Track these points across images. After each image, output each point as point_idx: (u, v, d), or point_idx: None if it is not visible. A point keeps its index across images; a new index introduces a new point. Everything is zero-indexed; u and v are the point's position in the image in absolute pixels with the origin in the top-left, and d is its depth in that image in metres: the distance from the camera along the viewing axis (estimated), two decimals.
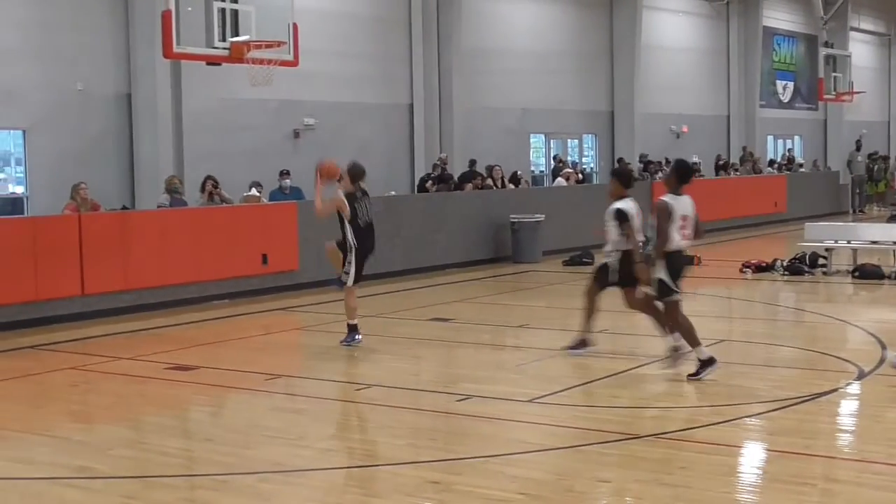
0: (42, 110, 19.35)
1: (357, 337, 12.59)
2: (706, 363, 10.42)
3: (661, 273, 10.54)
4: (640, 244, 11.37)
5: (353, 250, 12.56)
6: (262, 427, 9.39)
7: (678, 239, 10.55)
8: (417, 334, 13.57)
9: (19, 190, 19.87)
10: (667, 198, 10.60)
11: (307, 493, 7.34)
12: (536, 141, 31.23)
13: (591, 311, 11.82)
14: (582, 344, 11.81)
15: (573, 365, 11.39)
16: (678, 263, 10.64)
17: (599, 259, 11.72)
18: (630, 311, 11.94)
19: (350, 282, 12.59)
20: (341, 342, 12.59)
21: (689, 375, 10.43)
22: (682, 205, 10.61)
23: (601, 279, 11.73)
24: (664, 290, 10.57)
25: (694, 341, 10.50)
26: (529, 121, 29.95)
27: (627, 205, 11.53)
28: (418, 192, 23.71)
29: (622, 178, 11.90)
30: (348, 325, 12.65)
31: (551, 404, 9.67)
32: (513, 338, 13.25)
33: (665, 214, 10.45)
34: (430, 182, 23.34)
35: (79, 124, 19.76)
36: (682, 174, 10.78)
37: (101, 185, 18.82)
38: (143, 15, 19.88)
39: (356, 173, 12.82)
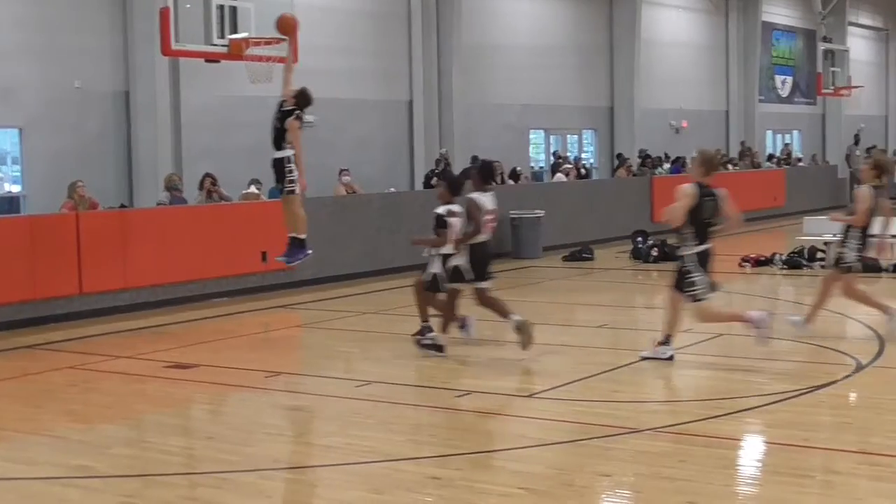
0: (40, 108, 19.35)
1: (308, 251, 13.17)
2: (439, 348, 11.41)
3: (460, 261, 11.45)
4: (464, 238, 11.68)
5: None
6: (262, 424, 9.38)
7: (484, 232, 11.52)
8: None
9: (16, 189, 19.87)
10: (475, 195, 11.60)
11: (308, 489, 7.34)
12: (536, 137, 31.23)
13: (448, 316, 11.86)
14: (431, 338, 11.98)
15: (573, 360, 11.39)
16: (482, 253, 11.55)
17: (433, 264, 11.90)
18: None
19: (298, 189, 12.99)
20: (280, 258, 13.30)
21: (420, 344, 11.59)
22: (488, 201, 11.63)
23: (434, 286, 11.96)
24: (456, 277, 11.44)
25: (446, 327, 11.55)
26: (529, 116, 29.96)
27: (454, 208, 11.98)
28: (424, 188, 23.71)
29: (450, 185, 12.35)
30: (297, 238, 13.04)
31: (551, 399, 9.67)
32: (513, 333, 13.23)
33: (477, 210, 11.43)
34: (434, 178, 23.34)
35: (77, 122, 19.76)
36: (485, 174, 11.95)
37: (99, 184, 18.83)
38: (142, 12, 19.86)
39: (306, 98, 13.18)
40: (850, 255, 12.30)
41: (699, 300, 10.81)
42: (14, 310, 14.10)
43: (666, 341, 11.10)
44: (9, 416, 9.67)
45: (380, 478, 7.48)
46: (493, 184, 12.10)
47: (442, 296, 11.76)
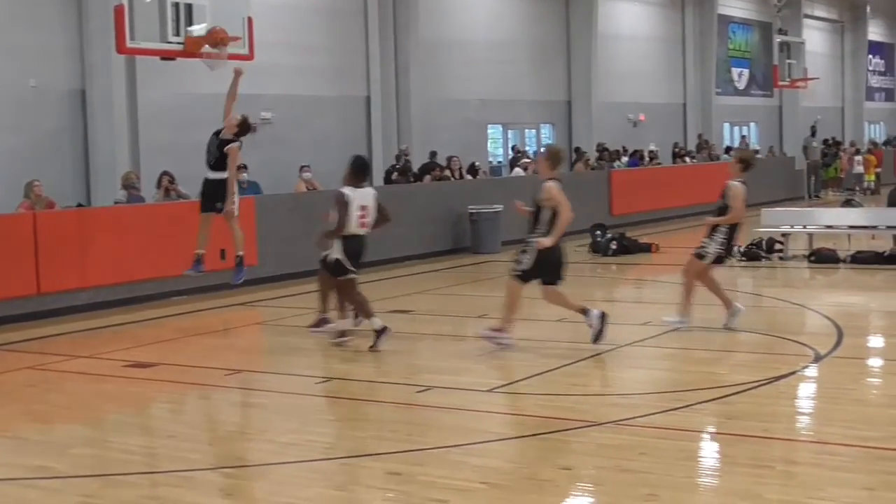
0: None
1: (201, 268, 13.70)
2: (380, 332, 11.62)
3: (337, 254, 11.85)
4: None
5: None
6: (223, 422, 9.38)
7: (356, 225, 11.84)
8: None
9: None
10: (346, 190, 11.87)
11: (270, 487, 7.32)
12: (494, 131, 31.27)
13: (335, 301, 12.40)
14: (323, 322, 12.66)
15: (533, 354, 11.43)
16: (355, 246, 11.91)
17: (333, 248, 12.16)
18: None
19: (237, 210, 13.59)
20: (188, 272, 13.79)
21: (370, 348, 11.58)
22: (361, 196, 11.94)
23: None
24: (339, 270, 11.85)
25: (368, 313, 11.85)
26: (487, 111, 29.98)
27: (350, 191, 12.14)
28: (385, 183, 23.68)
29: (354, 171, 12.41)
30: (241, 256, 13.72)
31: (512, 393, 9.70)
32: (473, 328, 13.25)
33: (342, 204, 11.73)
34: (395, 174, 23.35)
35: (33, 121, 19.57)
36: (358, 169, 12.23)
37: (57, 183, 18.66)
38: (96, 10, 19.70)
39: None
40: (712, 248, 12.37)
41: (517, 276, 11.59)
42: None
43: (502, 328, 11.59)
44: None
45: (341, 474, 7.48)
46: (368, 180, 12.51)
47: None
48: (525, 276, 11.67)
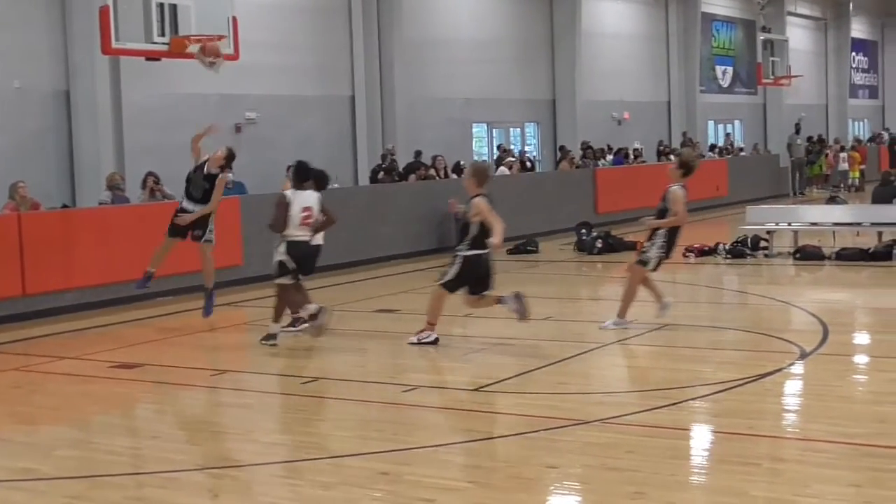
0: None
1: (148, 285, 14.16)
2: (315, 315, 12.03)
3: (281, 256, 12.17)
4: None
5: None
6: (208, 423, 9.36)
7: (298, 225, 12.20)
8: (363, 326, 13.56)
9: None
10: (288, 192, 12.31)
11: (256, 487, 7.32)
12: (479, 130, 31.27)
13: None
14: (298, 321, 12.84)
15: (519, 353, 11.44)
16: (300, 251, 12.27)
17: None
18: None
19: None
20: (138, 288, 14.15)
21: (307, 324, 12.20)
22: (304, 198, 12.27)
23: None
24: (282, 271, 12.16)
25: (303, 304, 12.18)
26: (472, 110, 29.98)
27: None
28: (371, 183, 23.70)
29: (297, 173, 12.78)
30: (210, 290, 13.89)
31: (498, 392, 9.70)
32: (458, 327, 13.25)
33: (282, 206, 12.14)
34: (381, 173, 23.34)
35: (16, 122, 19.51)
36: (300, 172, 12.54)
37: (41, 184, 18.60)
38: (80, 11, 19.65)
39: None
40: (654, 253, 12.40)
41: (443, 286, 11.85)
42: None
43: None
44: None
45: (327, 474, 7.47)
46: (309, 184, 12.60)
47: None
48: (451, 286, 11.85)
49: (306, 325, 12.49)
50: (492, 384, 9.94)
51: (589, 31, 33.73)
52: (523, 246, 21.35)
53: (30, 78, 19.62)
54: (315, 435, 8.46)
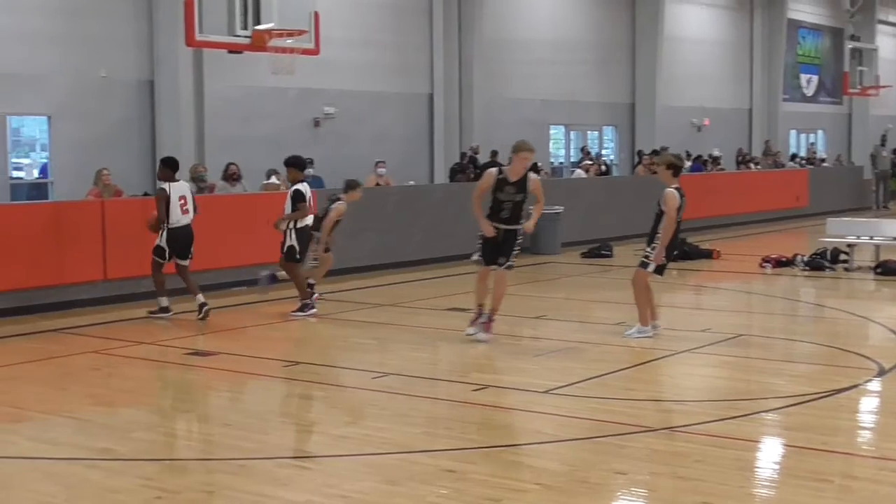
0: (66, 96, 19.46)
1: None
2: (163, 310, 13.79)
3: (161, 241, 13.66)
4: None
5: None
6: (279, 413, 9.45)
7: (180, 214, 13.63)
8: (435, 324, 13.59)
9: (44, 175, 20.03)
10: (164, 185, 13.58)
11: (322, 479, 7.37)
12: (556, 132, 31.20)
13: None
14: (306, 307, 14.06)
15: (589, 357, 11.39)
16: (179, 235, 13.69)
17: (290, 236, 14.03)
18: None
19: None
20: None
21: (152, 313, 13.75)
22: (178, 189, 13.70)
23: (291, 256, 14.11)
24: (159, 254, 13.73)
25: (160, 293, 13.79)
26: (549, 112, 29.93)
27: (305, 187, 14.24)
28: (450, 181, 23.80)
29: (295, 165, 14.52)
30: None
31: (567, 395, 9.68)
32: (530, 328, 13.25)
33: (163, 199, 13.49)
34: (459, 174, 23.45)
35: (102, 111, 19.86)
36: (167, 166, 13.76)
37: (124, 172, 18.91)
38: (166, 2, 19.98)
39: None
40: (653, 256, 12.22)
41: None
42: (39, 294, 14.20)
43: None
44: (32, 398, 9.75)
45: (394, 469, 7.51)
46: (177, 174, 13.86)
47: (304, 266, 14.05)
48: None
49: (314, 310, 13.89)
50: (561, 387, 9.93)
51: (671, 36, 33.50)
52: (598, 250, 21.28)
53: (115, 67, 19.94)
54: (383, 430, 8.51)
